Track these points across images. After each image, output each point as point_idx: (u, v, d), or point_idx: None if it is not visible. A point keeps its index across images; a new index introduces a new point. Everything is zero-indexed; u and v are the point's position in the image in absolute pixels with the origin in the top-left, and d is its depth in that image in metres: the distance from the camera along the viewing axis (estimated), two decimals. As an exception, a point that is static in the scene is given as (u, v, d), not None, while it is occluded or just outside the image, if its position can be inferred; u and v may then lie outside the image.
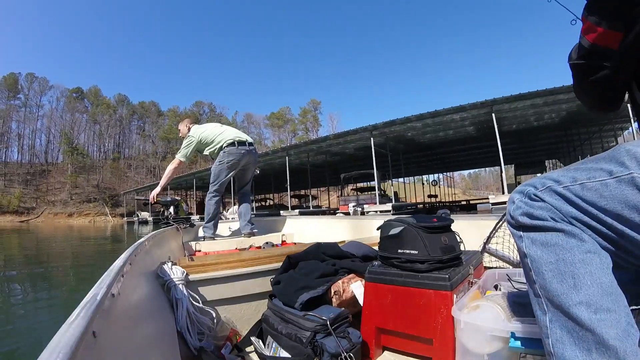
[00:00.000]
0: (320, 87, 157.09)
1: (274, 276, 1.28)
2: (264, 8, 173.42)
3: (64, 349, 0.34)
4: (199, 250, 2.22)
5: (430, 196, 22.81)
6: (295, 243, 2.66)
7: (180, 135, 2.82)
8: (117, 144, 69.07)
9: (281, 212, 13.33)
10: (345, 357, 0.89)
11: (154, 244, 1.49)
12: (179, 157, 2.62)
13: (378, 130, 11.75)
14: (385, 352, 1.05)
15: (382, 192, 12.66)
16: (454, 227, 1.16)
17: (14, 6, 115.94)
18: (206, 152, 2.67)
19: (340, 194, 16.41)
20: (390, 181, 16.99)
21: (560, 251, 0.49)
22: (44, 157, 62.64)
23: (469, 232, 1.44)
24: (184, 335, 1.06)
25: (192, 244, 2.27)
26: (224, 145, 2.59)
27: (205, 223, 2.57)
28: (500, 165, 9.80)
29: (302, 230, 3.07)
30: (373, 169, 11.99)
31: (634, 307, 0.51)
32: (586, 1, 0.57)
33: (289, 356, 0.98)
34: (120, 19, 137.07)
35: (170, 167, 2.60)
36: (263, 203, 24.96)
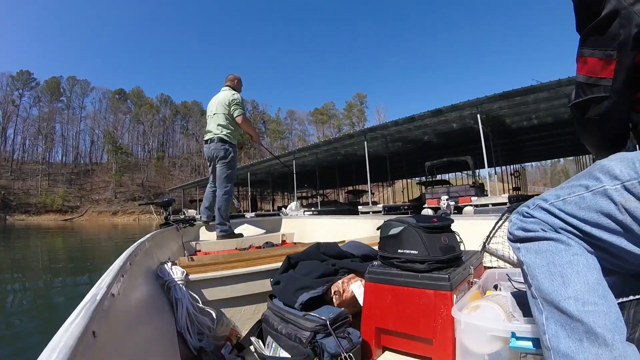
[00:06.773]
0: (366, 79, 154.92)
1: (274, 276, 1.28)
2: (306, 2, 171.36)
3: (64, 349, 0.34)
4: (199, 250, 2.22)
5: (514, 189, 21.46)
6: (295, 243, 2.66)
7: (233, 85, 2.87)
8: (161, 143, 69.66)
9: (359, 207, 11.32)
10: (345, 357, 0.89)
11: (154, 244, 1.49)
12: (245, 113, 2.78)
13: (486, 106, 8.96)
14: (386, 352, 1.05)
15: (475, 183, 10.56)
16: (454, 227, 1.16)
17: (56, 12, 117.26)
18: None
19: (425, 185, 13.78)
20: (493, 170, 13.34)
21: (550, 255, 0.56)
22: (87, 157, 63.17)
23: (469, 232, 1.44)
24: (184, 335, 1.06)
25: (192, 244, 2.27)
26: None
27: (217, 223, 2.60)
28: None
29: (302, 230, 3.07)
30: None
31: (622, 300, 0.56)
32: (580, 38, 0.58)
33: (289, 356, 0.97)
34: (160, 20, 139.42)
35: (249, 122, 2.82)
36: (326, 197, 23.70)
